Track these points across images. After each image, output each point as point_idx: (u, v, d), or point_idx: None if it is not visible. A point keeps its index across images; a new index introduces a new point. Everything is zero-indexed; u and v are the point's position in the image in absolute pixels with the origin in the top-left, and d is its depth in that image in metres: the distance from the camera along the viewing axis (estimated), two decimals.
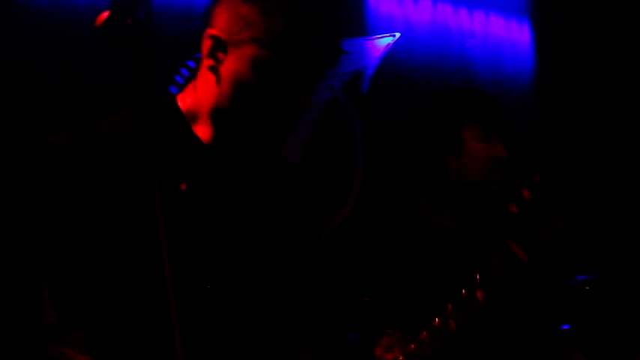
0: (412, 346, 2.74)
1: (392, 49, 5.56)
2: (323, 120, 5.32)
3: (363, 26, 5.52)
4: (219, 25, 2.12)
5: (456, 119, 3.09)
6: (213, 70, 2.14)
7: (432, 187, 3.16)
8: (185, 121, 2.20)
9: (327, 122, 5.33)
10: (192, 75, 2.25)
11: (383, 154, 5.25)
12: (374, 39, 5.53)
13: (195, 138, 2.20)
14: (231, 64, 2.11)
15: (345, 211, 5.25)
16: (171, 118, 2.21)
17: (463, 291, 2.64)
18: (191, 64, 4.63)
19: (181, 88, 2.31)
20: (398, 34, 5.59)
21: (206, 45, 2.12)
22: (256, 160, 2.27)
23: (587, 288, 4.38)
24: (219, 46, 2.11)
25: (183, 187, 2.11)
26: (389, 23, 5.60)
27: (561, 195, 2.66)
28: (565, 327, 4.15)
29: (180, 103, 2.24)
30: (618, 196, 5.81)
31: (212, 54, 2.12)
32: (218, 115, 2.17)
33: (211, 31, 2.11)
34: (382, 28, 5.57)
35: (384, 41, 5.55)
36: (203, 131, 2.20)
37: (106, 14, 1.75)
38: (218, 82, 2.14)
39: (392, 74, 5.54)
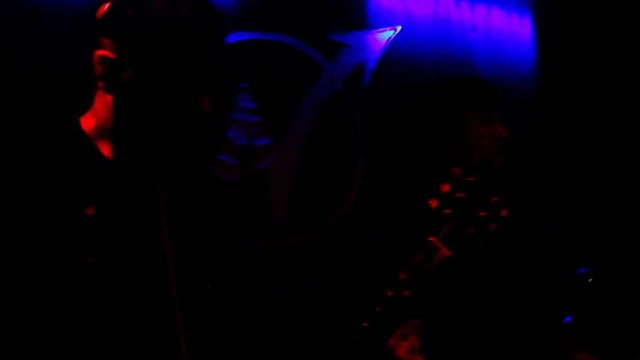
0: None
1: (393, 42, 5.54)
2: (324, 115, 5.31)
3: (364, 20, 5.50)
4: (107, 45, 2.06)
5: (456, 104, 3.11)
6: (107, 90, 2.11)
7: (438, 175, 3.16)
8: (90, 142, 2.17)
9: (328, 117, 5.32)
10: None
11: (385, 148, 5.25)
12: (375, 33, 5.51)
13: (102, 157, 2.16)
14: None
15: (348, 203, 5.25)
16: (75, 141, 2.17)
17: (389, 292, 2.59)
18: None
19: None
20: (399, 28, 5.58)
21: (96, 67, 2.08)
22: (171, 175, 2.18)
23: (590, 280, 4.38)
24: (109, 66, 2.06)
25: (90, 211, 2.08)
26: (390, 17, 5.58)
27: (487, 191, 2.59)
28: (567, 319, 4.14)
29: (83, 125, 2.21)
30: (618, 189, 5.80)
31: (102, 75, 2.08)
32: (115, 134, 2.15)
33: (100, 53, 2.06)
34: (383, 22, 5.55)
35: (385, 35, 5.54)
36: (107, 149, 2.18)
37: (106, 6, 1.75)
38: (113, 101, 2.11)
39: (393, 68, 5.52)
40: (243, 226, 4.89)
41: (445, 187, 2.57)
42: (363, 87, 5.42)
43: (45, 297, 2.04)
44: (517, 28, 6.00)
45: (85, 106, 2.23)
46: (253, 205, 5.02)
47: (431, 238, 2.57)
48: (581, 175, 5.83)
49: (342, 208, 5.24)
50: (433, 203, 2.56)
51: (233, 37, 5.03)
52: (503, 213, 2.55)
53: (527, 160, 3.16)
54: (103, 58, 2.04)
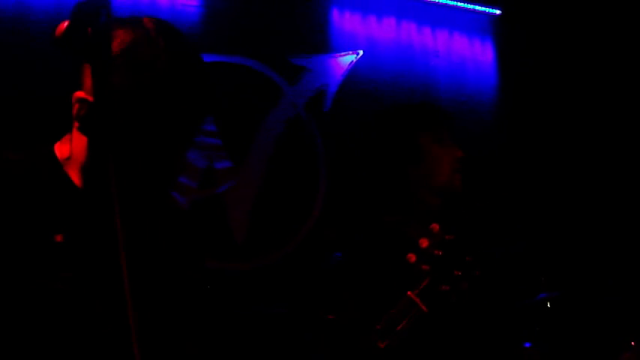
0: None
1: (355, 66, 5.56)
2: (285, 138, 5.31)
3: (326, 44, 5.52)
4: (87, 87, 2.03)
5: (410, 128, 3.12)
6: (82, 131, 2.09)
7: (398, 199, 3.16)
8: (62, 170, 2.13)
9: (290, 140, 5.32)
10: None
11: (346, 172, 5.25)
12: (337, 57, 5.53)
13: (72, 185, 2.14)
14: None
15: (309, 225, 5.24)
16: (48, 167, 2.13)
17: (362, 341, 2.60)
18: None
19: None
20: (361, 52, 5.60)
21: (74, 107, 2.03)
22: (135, 206, 2.12)
23: (549, 305, 4.40)
24: (86, 109, 2.02)
25: (59, 238, 2.06)
26: (352, 41, 5.61)
27: (463, 249, 2.61)
28: (527, 345, 4.16)
29: (57, 153, 2.19)
30: (576, 213, 5.84)
31: (78, 117, 2.03)
32: (87, 172, 2.14)
33: (78, 94, 2.01)
34: (345, 46, 5.57)
35: (347, 59, 5.55)
36: (78, 180, 2.16)
37: (65, 24, 1.72)
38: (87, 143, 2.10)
39: (355, 92, 5.54)
40: (203, 249, 4.86)
41: (424, 243, 2.58)
42: (324, 110, 5.43)
43: (9, 321, 2.02)
44: (479, 54, 6.05)
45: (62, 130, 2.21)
46: (213, 227, 5.00)
47: (409, 293, 2.58)
48: (539, 198, 5.86)
49: (303, 231, 5.23)
50: (412, 257, 2.57)
51: None
52: (477, 274, 2.58)
53: (485, 183, 3.18)
54: (81, 100, 2.02)
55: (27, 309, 1.99)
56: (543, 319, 4.38)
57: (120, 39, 1.98)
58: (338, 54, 5.52)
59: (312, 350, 3.43)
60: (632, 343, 3.83)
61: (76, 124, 2.06)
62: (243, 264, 5.06)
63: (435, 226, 2.58)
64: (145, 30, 2.02)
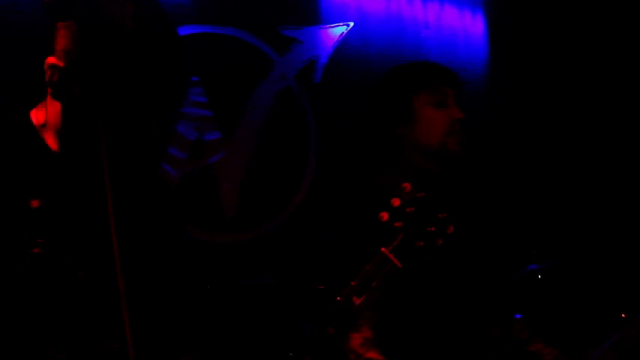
0: None
1: (345, 38, 5.54)
2: (276, 110, 5.29)
3: (317, 15, 5.49)
4: (59, 52, 2.02)
5: (406, 89, 3.10)
6: (55, 97, 2.08)
7: (390, 161, 3.16)
8: (37, 135, 2.14)
9: (280, 112, 5.31)
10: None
11: (336, 142, 5.24)
12: (327, 28, 5.50)
13: (49, 150, 2.13)
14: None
15: (299, 198, 5.24)
16: (23, 133, 2.14)
17: (339, 298, 2.62)
18: None
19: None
20: (352, 24, 5.57)
21: (46, 74, 2.04)
22: (118, 171, 2.07)
23: (539, 277, 4.40)
24: (58, 75, 2.03)
25: (35, 203, 2.06)
26: (342, 12, 5.58)
27: (436, 206, 2.62)
28: (517, 316, 4.16)
29: (33, 118, 2.18)
30: (570, 184, 5.85)
31: (51, 83, 2.04)
32: (63, 136, 2.13)
33: (50, 60, 2.02)
34: (336, 18, 5.55)
35: (338, 30, 5.53)
36: (55, 144, 2.15)
37: None
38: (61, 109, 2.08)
39: (345, 63, 5.53)
40: (193, 221, 4.85)
41: (396, 202, 2.59)
42: (314, 82, 5.41)
43: None
44: (469, 25, 6.03)
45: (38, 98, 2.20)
46: (203, 199, 4.98)
47: (382, 249, 2.59)
48: (531, 169, 5.87)
49: (293, 203, 5.22)
50: (384, 216, 2.59)
51: (185, 30, 4.99)
52: (450, 230, 2.59)
53: (477, 154, 3.18)
54: (52, 66, 2.01)
55: (4, 274, 1.99)
56: (534, 290, 4.39)
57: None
58: (328, 25, 5.49)
59: (302, 319, 3.43)
60: (623, 315, 3.83)
61: (49, 91, 2.05)
62: (233, 235, 5.05)
63: (407, 185, 2.59)
64: None
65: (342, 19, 5.56)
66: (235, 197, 5.10)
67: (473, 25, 6.04)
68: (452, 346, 3.07)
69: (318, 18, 5.49)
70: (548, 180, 5.85)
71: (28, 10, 4.50)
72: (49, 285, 2.03)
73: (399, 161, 3.14)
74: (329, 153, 5.32)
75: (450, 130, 3.08)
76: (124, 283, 1.79)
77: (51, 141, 2.13)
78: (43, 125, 2.14)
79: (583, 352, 3.32)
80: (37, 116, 2.17)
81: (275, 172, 5.21)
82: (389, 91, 3.16)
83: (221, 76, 5.12)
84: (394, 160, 3.15)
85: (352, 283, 2.58)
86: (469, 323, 3.13)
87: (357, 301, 2.57)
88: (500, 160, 5.69)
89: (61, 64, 2.00)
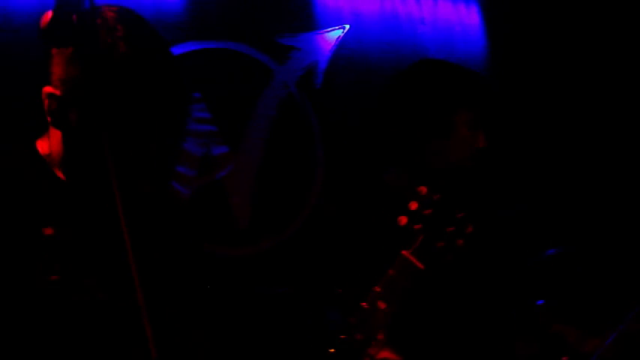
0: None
1: (342, 41, 5.54)
2: (280, 119, 5.30)
3: (312, 21, 5.49)
4: (56, 80, 2.05)
5: (450, 102, 3.09)
6: (55, 125, 2.08)
7: (402, 162, 3.16)
8: (46, 165, 2.15)
9: (284, 120, 5.31)
10: None
11: (343, 147, 5.24)
12: (324, 33, 5.51)
13: (58, 179, 2.14)
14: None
15: (310, 205, 5.24)
16: (32, 163, 2.15)
17: (364, 304, 2.64)
18: None
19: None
20: (347, 26, 5.57)
21: (44, 103, 2.06)
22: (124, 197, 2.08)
23: (558, 261, 4.39)
24: (56, 104, 2.04)
25: (48, 231, 2.06)
26: (337, 16, 5.58)
27: (453, 207, 2.64)
28: (539, 302, 4.15)
29: (39, 148, 2.18)
30: (573, 171, 5.84)
31: (50, 112, 2.06)
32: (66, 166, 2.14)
33: (47, 90, 2.04)
34: (331, 21, 5.54)
35: (334, 34, 5.53)
36: (61, 172, 2.16)
37: (50, 14, 1.72)
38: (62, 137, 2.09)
39: (345, 66, 5.52)
40: (208, 236, 4.86)
41: (413, 205, 2.63)
42: (316, 88, 5.41)
43: (8, 318, 2.01)
44: (465, 18, 6.02)
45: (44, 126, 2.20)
46: (216, 214, 4.99)
47: (404, 252, 2.61)
48: (537, 159, 5.86)
49: (306, 208, 5.23)
50: (403, 220, 2.62)
51: (183, 48, 5.01)
52: (469, 229, 2.62)
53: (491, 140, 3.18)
54: (50, 95, 2.02)
55: (24, 302, 1.99)
56: (553, 275, 4.38)
57: None
58: (325, 30, 5.49)
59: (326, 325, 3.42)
60: None
61: (49, 119, 2.06)
62: (247, 248, 5.06)
63: (423, 189, 2.62)
64: (102, 19, 2.01)
65: (338, 22, 5.56)
66: (247, 208, 5.11)
67: (468, 17, 6.03)
68: (474, 341, 3.08)
69: (313, 24, 5.49)
70: (556, 166, 5.84)
71: (24, 34, 4.52)
72: (70, 310, 2.04)
73: (413, 163, 3.14)
74: (337, 156, 5.32)
75: (472, 155, 3.10)
76: (144, 303, 1.80)
77: (58, 170, 2.14)
78: (49, 155, 2.15)
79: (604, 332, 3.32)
80: (42, 146, 2.18)
81: (285, 180, 5.22)
82: (426, 101, 3.13)
83: (223, 91, 5.13)
84: (413, 164, 3.14)
85: (376, 288, 2.61)
86: (491, 317, 3.14)
87: (383, 305, 2.60)
88: (504, 148, 5.68)
89: (58, 92, 2.01)
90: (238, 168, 5.13)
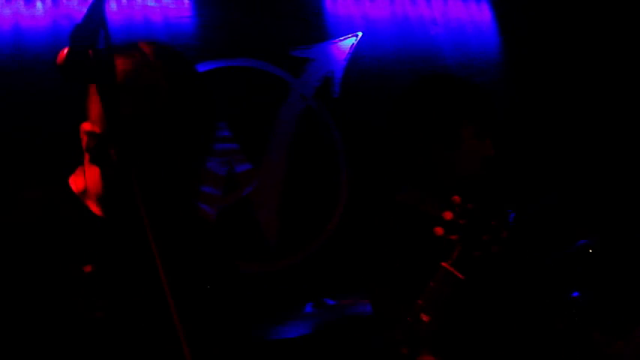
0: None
1: (356, 49, 5.55)
2: (300, 131, 5.31)
3: (324, 31, 5.50)
4: (94, 117, 2.05)
5: (457, 116, 3.10)
6: (93, 162, 2.09)
7: (415, 176, 3.16)
8: (80, 202, 2.15)
9: (305, 132, 5.32)
10: None
11: (365, 154, 5.24)
12: (337, 42, 5.52)
13: (93, 216, 2.14)
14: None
15: (338, 213, 5.24)
16: (66, 201, 2.15)
17: (408, 318, 2.65)
18: None
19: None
20: (360, 34, 5.58)
21: (83, 140, 2.06)
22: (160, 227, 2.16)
23: (591, 251, 4.36)
24: (95, 141, 2.04)
25: (88, 269, 2.07)
26: (349, 24, 5.59)
27: (487, 215, 2.65)
28: (575, 294, 4.13)
29: (72, 186, 2.19)
30: (594, 162, 5.82)
31: (88, 149, 2.06)
32: (104, 202, 2.14)
33: (85, 127, 2.04)
34: (344, 30, 5.56)
35: (348, 42, 5.54)
36: (98, 210, 2.16)
37: (65, 50, 1.72)
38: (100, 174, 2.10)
39: (361, 74, 5.53)
40: (239, 254, 4.87)
41: (448, 215, 2.66)
42: (333, 97, 5.42)
43: (57, 355, 2.02)
44: (476, 15, 6.01)
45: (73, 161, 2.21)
46: (244, 231, 5.00)
47: (443, 264, 2.64)
48: (556, 153, 5.83)
49: (334, 218, 5.23)
50: (439, 231, 2.64)
51: (198, 69, 5.02)
52: (504, 235, 2.64)
53: (501, 143, 3.18)
54: (89, 133, 2.03)
55: (71, 341, 2.00)
56: (587, 265, 4.35)
57: (120, 68, 1.98)
58: (338, 39, 5.50)
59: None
60: None
61: (87, 157, 2.07)
62: (278, 262, 5.07)
63: (457, 198, 2.65)
64: (143, 54, 2.03)
65: (350, 30, 5.57)
66: (275, 223, 5.12)
67: (480, 14, 6.02)
68: (514, 344, 3.08)
69: (326, 34, 5.50)
70: (575, 158, 5.82)
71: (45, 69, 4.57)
72: (117, 346, 2.05)
73: (427, 178, 3.14)
74: (359, 164, 5.32)
75: (483, 165, 3.11)
76: (184, 332, 1.81)
77: (93, 207, 2.15)
78: (83, 192, 2.16)
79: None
80: (75, 183, 2.18)
81: (310, 191, 5.23)
82: (437, 114, 3.13)
83: (241, 108, 5.14)
84: (422, 177, 3.15)
85: (419, 301, 2.63)
86: (530, 319, 3.14)
87: (427, 318, 2.61)
88: (524, 146, 5.67)
89: (97, 130, 2.02)
90: (263, 184, 5.14)
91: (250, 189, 5.10)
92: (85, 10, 1.72)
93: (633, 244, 4.66)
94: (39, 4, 4.69)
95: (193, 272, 2.24)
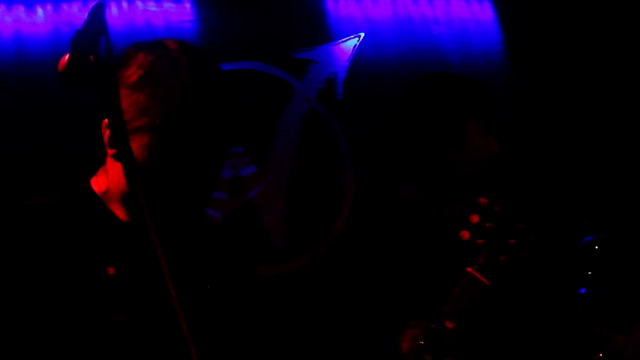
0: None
1: (359, 50, 5.54)
2: (304, 133, 5.31)
3: (326, 32, 5.50)
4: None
5: (461, 113, 3.09)
6: (116, 158, 2.08)
7: (420, 174, 3.15)
8: (102, 204, 2.15)
9: (309, 134, 5.32)
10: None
11: (370, 155, 5.23)
12: (340, 43, 5.51)
13: (115, 218, 2.15)
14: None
15: (343, 218, 5.23)
16: (88, 205, 2.16)
17: (432, 325, 2.62)
18: None
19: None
20: (362, 35, 5.57)
21: (105, 135, 2.07)
22: (178, 231, 2.15)
23: (597, 248, 4.37)
24: None
25: (111, 271, 2.07)
26: (352, 25, 5.58)
27: (514, 218, 2.62)
28: (582, 291, 4.13)
29: (94, 187, 2.19)
30: (600, 160, 5.80)
31: (112, 143, 2.06)
32: (129, 200, 2.14)
33: (107, 121, 2.04)
34: (346, 31, 5.55)
35: (350, 43, 5.53)
36: (121, 211, 2.16)
37: (67, 56, 1.72)
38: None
39: (364, 75, 5.52)
40: (246, 257, 4.86)
41: (474, 218, 2.62)
42: (337, 98, 5.41)
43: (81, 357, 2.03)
44: (479, 14, 6.00)
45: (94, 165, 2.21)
46: (250, 234, 5.00)
47: (469, 269, 2.60)
48: (561, 150, 5.82)
49: (340, 219, 5.22)
50: (465, 234, 2.61)
51: None
52: (532, 238, 2.61)
53: (506, 142, 3.18)
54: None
55: (93, 344, 2.00)
56: (594, 262, 4.35)
57: (139, 62, 2.00)
58: (340, 40, 5.50)
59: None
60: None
61: (110, 152, 2.07)
62: (285, 265, 5.06)
63: (484, 200, 2.60)
64: (166, 50, 2.05)
65: (353, 31, 5.56)
66: (281, 225, 5.12)
67: (482, 13, 6.01)
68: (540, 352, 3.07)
69: (328, 35, 5.49)
70: (580, 156, 5.80)
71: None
72: (137, 349, 2.05)
73: (436, 178, 3.13)
74: (364, 165, 5.31)
75: (488, 161, 3.10)
76: (201, 337, 1.81)
77: (115, 207, 2.15)
78: (105, 192, 2.16)
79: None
80: (97, 184, 2.18)
81: (315, 192, 5.22)
82: (442, 111, 3.12)
83: (245, 111, 5.13)
84: (431, 177, 3.14)
85: (444, 308, 2.59)
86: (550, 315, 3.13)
87: (451, 325, 2.58)
88: (530, 144, 5.65)
89: None
90: (268, 186, 5.14)
91: (255, 192, 5.10)
92: (85, 16, 1.72)
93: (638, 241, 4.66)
94: (40, 11, 4.70)
95: (209, 275, 2.24)
